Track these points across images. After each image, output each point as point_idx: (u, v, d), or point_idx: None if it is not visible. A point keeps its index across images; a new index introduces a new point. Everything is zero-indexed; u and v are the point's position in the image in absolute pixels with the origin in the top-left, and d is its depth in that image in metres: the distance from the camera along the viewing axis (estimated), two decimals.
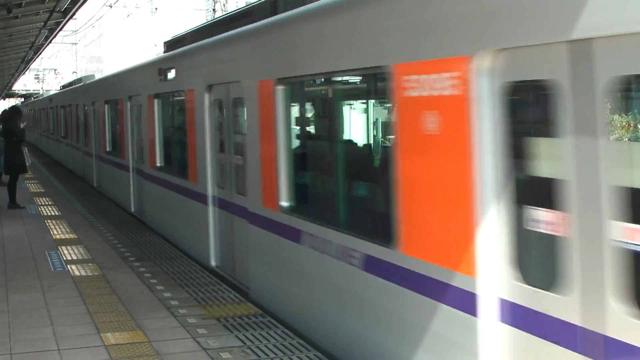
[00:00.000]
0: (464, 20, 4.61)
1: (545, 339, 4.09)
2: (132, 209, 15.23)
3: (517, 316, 4.27)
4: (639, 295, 3.59)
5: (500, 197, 4.38)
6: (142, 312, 7.78)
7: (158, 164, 12.95)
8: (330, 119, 7.44)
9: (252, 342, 6.76)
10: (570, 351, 3.91)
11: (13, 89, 64.67)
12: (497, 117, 4.37)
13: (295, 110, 7.89)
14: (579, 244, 3.86)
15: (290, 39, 7.47)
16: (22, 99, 67.13)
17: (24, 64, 36.11)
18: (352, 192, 6.75)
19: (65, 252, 11.07)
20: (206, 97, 9.85)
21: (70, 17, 18.90)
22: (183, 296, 8.43)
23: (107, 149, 18.48)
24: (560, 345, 3.98)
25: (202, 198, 10.07)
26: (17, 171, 16.00)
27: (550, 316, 4.03)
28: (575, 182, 3.87)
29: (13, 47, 25.75)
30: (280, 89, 7.46)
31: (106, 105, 18.33)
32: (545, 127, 4.12)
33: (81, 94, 23.40)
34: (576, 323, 3.87)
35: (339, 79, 7.20)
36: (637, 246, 3.58)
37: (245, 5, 11.68)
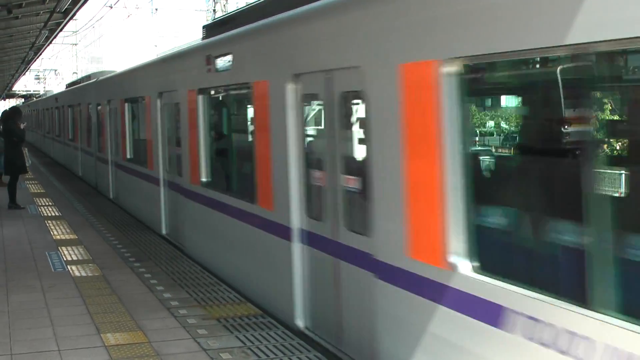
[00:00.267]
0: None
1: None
2: (163, 231, 12.52)
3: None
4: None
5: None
6: (142, 313, 7.78)
7: (204, 179, 10.20)
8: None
9: (252, 343, 6.76)
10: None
11: (13, 89, 64.68)
12: None
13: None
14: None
15: None
16: (23, 100, 67.15)
17: (24, 64, 36.12)
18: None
19: (66, 252, 11.07)
20: (291, 90, 7.19)
21: (71, 18, 18.90)
22: (183, 296, 8.43)
23: (128, 156, 15.73)
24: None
25: (281, 230, 7.61)
26: (17, 171, 16.01)
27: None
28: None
29: (13, 48, 25.76)
30: (452, 72, 4.77)
31: (126, 104, 15.70)
32: None
33: (94, 92, 20.73)
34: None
35: None
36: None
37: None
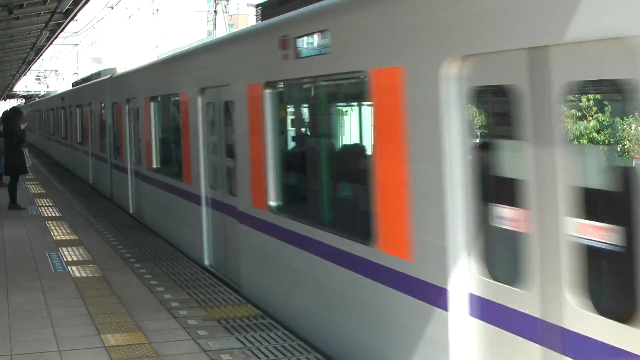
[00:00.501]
0: None
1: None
2: (206, 262, 10.19)
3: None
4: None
5: None
6: (142, 314, 7.78)
7: (275, 202, 7.70)
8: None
9: (253, 344, 6.76)
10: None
11: (14, 90, 64.72)
12: None
13: None
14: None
15: None
16: (24, 100, 67.17)
17: (25, 65, 36.12)
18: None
19: (66, 253, 11.07)
20: (445, 80, 4.73)
21: (72, 19, 18.90)
22: (183, 297, 8.43)
23: (155, 166, 13.09)
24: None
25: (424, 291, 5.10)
26: (17, 172, 16.02)
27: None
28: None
29: (14, 48, 25.76)
30: None
31: (153, 104, 13.13)
32: None
33: (109, 89, 18.19)
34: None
35: None
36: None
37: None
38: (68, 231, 13.04)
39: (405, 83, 5.21)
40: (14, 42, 23.26)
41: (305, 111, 8.39)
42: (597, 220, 3.90)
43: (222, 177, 9.54)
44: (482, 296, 4.60)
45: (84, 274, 9.66)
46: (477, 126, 5.04)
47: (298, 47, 6.92)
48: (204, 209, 10.16)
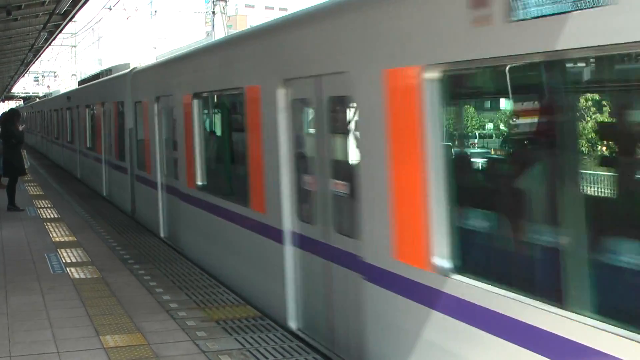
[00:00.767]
0: None
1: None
2: (292, 324, 7.35)
3: None
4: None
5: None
6: (141, 315, 7.78)
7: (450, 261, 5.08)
8: None
9: (252, 345, 6.77)
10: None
11: (12, 91, 64.74)
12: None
13: None
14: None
15: None
16: (22, 101, 67.16)
17: (24, 66, 36.15)
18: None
19: (65, 254, 11.07)
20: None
21: (70, 20, 18.91)
22: (182, 298, 8.43)
23: (200, 183, 10.36)
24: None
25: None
26: (15, 173, 16.02)
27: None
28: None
29: (12, 50, 25.76)
30: None
31: (196, 102, 10.33)
32: None
33: (128, 86, 15.43)
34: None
35: None
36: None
37: None
38: (67, 232, 13.05)
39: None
40: (12, 43, 23.26)
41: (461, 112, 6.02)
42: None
43: (328, 206, 6.67)
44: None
45: (82, 276, 9.66)
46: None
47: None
48: (286, 247, 7.39)
